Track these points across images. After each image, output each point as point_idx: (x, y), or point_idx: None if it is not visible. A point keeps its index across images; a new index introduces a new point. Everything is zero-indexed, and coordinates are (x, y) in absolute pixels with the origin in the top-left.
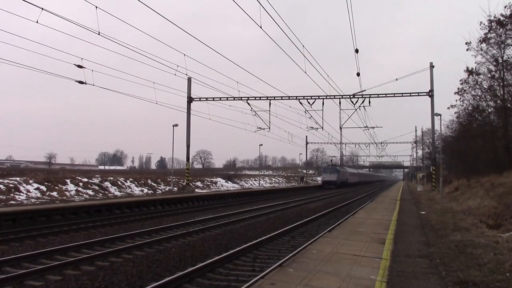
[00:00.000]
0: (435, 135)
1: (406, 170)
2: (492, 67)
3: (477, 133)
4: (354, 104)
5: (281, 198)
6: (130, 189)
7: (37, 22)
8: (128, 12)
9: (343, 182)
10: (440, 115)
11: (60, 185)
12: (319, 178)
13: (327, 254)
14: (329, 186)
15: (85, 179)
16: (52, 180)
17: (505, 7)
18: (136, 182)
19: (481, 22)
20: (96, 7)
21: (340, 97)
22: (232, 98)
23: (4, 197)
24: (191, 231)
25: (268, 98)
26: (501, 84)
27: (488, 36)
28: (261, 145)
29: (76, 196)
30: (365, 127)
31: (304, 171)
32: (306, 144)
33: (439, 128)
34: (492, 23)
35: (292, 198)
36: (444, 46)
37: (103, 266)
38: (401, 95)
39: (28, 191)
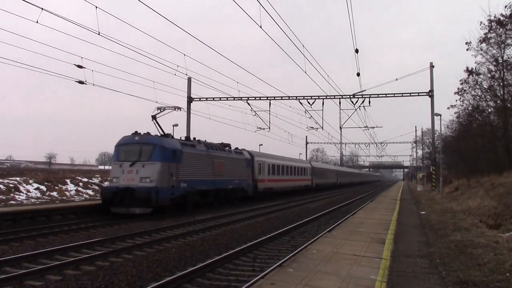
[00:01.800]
0: (435, 135)
1: (406, 170)
2: (492, 67)
3: (477, 133)
4: (354, 104)
5: (281, 198)
6: None
7: (37, 22)
8: (128, 12)
9: (193, 194)
10: (440, 115)
11: (60, 185)
12: None
13: (327, 254)
14: (118, 210)
15: (85, 179)
16: (52, 180)
17: (505, 7)
18: None
19: (481, 22)
20: (96, 7)
21: (340, 97)
22: (232, 98)
23: (4, 197)
24: (191, 231)
25: (268, 98)
26: (501, 84)
27: (488, 36)
28: (261, 145)
29: (76, 196)
30: (365, 127)
31: None
32: (306, 144)
33: (439, 128)
34: (492, 23)
35: (292, 198)
36: (444, 46)
37: (103, 266)
38: (401, 95)
39: (28, 191)
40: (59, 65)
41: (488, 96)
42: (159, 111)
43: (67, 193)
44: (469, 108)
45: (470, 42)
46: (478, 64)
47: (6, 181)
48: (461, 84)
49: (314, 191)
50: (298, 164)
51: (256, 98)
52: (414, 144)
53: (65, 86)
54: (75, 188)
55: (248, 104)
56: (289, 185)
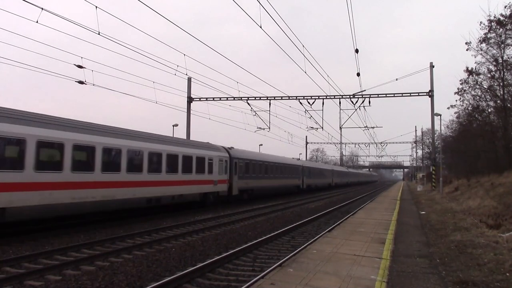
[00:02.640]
0: (435, 135)
1: (406, 170)
2: (492, 67)
3: (477, 133)
4: (354, 104)
5: (281, 198)
6: None
7: (37, 22)
8: (129, 12)
9: None
10: (440, 115)
11: None
12: None
13: (327, 254)
14: None
15: None
16: None
17: (505, 7)
18: None
19: (481, 22)
20: (96, 7)
21: (340, 97)
22: (232, 98)
23: None
24: (191, 231)
25: (268, 98)
26: (501, 84)
27: (488, 36)
28: (261, 145)
29: None
30: (365, 127)
31: None
32: (306, 144)
33: (439, 128)
34: (492, 23)
35: (292, 198)
36: (444, 46)
37: (103, 266)
38: (401, 95)
39: None
40: (59, 65)
41: (488, 96)
42: None
43: None
44: (469, 108)
45: (470, 42)
46: (478, 64)
47: None
48: (461, 84)
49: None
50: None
51: (256, 98)
52: (414, 144)
53: (65, 86)
54: None
55: (248, 104)
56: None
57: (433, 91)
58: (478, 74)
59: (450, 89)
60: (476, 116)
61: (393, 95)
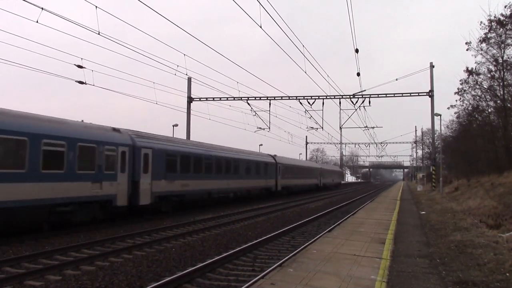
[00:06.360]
0: (435, 135)
1: (406, 170)
2: (492, 67)
3: (477, 133)
4: (354, 104)
5: (281, 198)
6: None
7: (37, 22)
8: (129, 12)
9: None
10: (440, 115)
11: None
12: None
13: (327, 254)
14: None
15: None
16: None
17: (505, 7)
18: None
19: (481, 22)
20: (96, 7)
21: (340, 97)
22: (232, 98)
23: None
24: (191, 231)
25: (268, 98)
26: (501, 84)
27: (488, 36)
28: (261, 145)
29: None
30: (365, 127)
31: None
32: (306, 144)
33: (439, 128)
34: (492, 23)
35: (292, 198)
36: (444, 46)
37: (103, 266)
38: (401, 95)
39: None
40: (59, 65)
41: (488, 96)
42: None
43: None
44: (469, 108)
45: (470, 42)
46: (478, 64)
47: None
48: (461, 84)
49: None
50: None
51: (256, 98)
52: (414, 144)
53: (65, 86)
54: None
55: (248, 104)
56: None
57: (433, 91)
58: (478, 74)
59: (450, 89)
60: (476, 116)
61: (393, 95)
